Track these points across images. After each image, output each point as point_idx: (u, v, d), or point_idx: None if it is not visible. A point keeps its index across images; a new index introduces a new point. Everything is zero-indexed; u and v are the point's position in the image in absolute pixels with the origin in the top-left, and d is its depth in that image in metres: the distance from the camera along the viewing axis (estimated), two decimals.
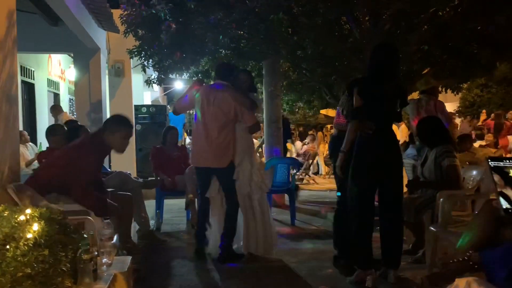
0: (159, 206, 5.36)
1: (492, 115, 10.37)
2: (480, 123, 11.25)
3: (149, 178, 5.93)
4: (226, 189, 3.96)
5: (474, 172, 3.84)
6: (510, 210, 1.58)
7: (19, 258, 1.69)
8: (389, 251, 3.39)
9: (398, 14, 4.92)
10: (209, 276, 3.72)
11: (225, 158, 3.88)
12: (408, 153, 5.88)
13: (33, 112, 9.01)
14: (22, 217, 1.83)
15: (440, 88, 5.77)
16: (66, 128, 4.90)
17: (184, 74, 6.66)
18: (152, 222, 5.10)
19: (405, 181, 4.09)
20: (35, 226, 1.78)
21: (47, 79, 9.92)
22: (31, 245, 1.71)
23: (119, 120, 3.42)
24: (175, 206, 5.98)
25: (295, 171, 6.02)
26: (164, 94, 16.63)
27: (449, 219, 3.36)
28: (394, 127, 3.63)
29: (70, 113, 11.50)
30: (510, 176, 1.63)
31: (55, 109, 8.21)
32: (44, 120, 9.23)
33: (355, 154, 3.33)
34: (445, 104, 5.66)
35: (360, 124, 3.29)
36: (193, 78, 7.16)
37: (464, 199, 3.75)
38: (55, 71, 10.48)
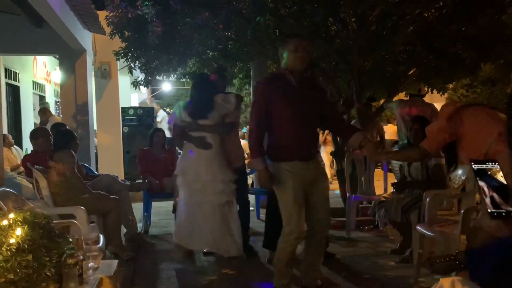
0: (147, 209, 5.32)
1: None
2: None
3: (137, 181, 5.89)
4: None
5: (460, 171, 3.87)
6: (495, 214, 1.58)
7: (1, 264, 1.65)
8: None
9: (384, 15, 4.95)
10: (197, 279, 3.70)
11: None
12: None
13: (18, 115, 8.88)
14: (5, 222, 1.79)
15: (426, 89, 5.83)
16: (50, 131, 4.84)
17: (172, 75, 6.62)
18: (139, 225, 5.06)
19: (392, 180, 4.14)
20: (18, 231, 1.75)
21: (32, 81, 9.79)
22: (14, 250, 1.68)
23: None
24: (162, 209, 5.95)
25: None
26: (152, 96, 16.53)
27: (435, 218, 3.39)
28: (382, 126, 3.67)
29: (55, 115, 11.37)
30: (495, 178, 1.63)
31: (45, 112, 8.06)
32: (29, 123, 9.10)
33: None
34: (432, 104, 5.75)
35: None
36: (181, 80, 7.12)
37: (450, 198, 3.80)
38: (41, 73, 10.35)
